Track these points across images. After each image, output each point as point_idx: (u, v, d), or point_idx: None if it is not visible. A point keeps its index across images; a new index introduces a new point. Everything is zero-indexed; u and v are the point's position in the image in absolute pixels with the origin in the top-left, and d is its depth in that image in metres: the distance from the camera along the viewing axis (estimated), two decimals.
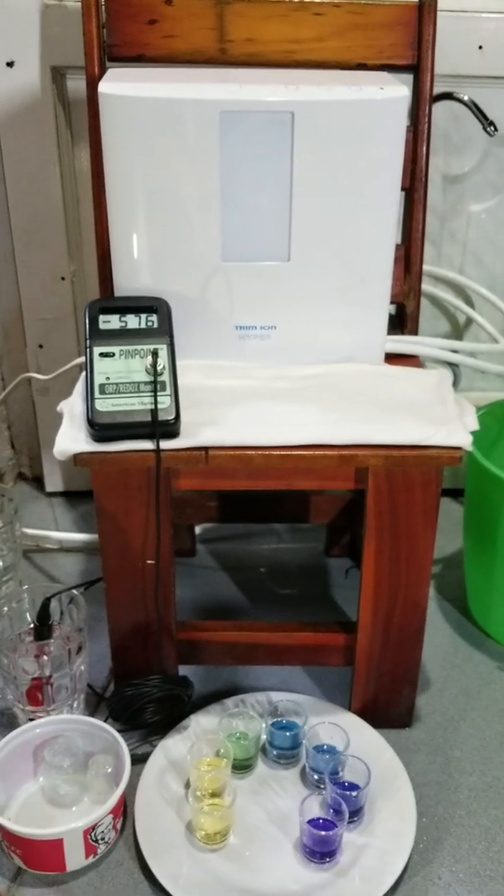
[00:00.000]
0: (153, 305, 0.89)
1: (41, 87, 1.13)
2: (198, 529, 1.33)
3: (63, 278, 1.25)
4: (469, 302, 1.33)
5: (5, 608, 0.98)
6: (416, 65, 1.01)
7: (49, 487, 1.43)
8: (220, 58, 0.99)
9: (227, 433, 0.83)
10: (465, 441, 0.83)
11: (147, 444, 0.82)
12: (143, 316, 0.88)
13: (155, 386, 0.83)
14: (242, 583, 1.26)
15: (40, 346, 1.30)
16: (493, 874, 0.85)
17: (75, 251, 1.26)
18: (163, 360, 0.85)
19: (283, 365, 0.95)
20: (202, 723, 0.97)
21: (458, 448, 0.83)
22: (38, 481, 1.45)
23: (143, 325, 0.88)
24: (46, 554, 1.30)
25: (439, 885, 0.84)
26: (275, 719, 0.95)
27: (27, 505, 1.41)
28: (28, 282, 1.25)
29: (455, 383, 1.22)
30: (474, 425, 0.87)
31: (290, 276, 0.92)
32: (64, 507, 1.41)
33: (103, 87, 0.85)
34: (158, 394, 0.83)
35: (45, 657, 0.93)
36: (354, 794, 0.86)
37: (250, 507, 1.26)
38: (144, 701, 0.94)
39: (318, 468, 0.86)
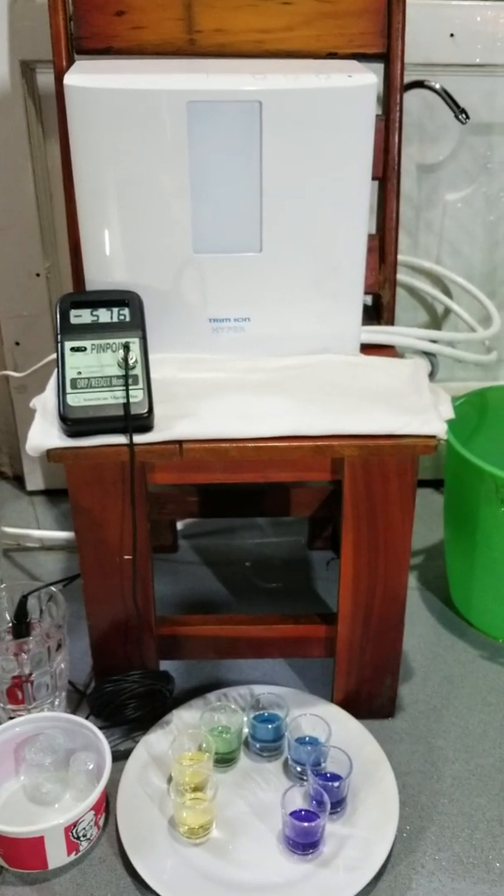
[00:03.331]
0: (125, 299, 0.89)
1: (11, 81, 1.12)
2: (179, 525, 1.33)
3: (38, 275, 1.24)
4: (447, 291, 1.33)
5: None
6: (387, 53, 1.00)
7: (30, 486, 1.43)
8: (190, 49, 0.99)
9: (201, 426, 0.83)
10: (439, 430, 0.83)
11: (120, 439, 0.81)
12: (115, 310, 0.88)
13: (127, 380, 0.82)
14: (226, 577, 1.25)
15: (17, 343, 1.29)
16: (475, 861, 0.85)
17: (49, 247, 1.25)
18: (135, 354, 0.84)
19: (258, 357, 0.95)
20: (184, 717, 0.97)
21: (433, 437, 0.83)
22: (18, 480, 1.45)
23: (114, 319, 0.87)
24: (27, 552, 1.29)
25: (422, 873, 0.84)
26: (257, 712, 0.95)
27: (8, 503, 1.40)
28: (3, 279, 1.25)
29: (433, 373, 1.22)
30: (449, 414, 0.87)
31: (263, 267, 0.92)
32: (45, 506, 1.40)
33: (69, 79, 0.84)
34: (131, 388, 0.82)
35: (25, 655, 0.93)
36: (337, 784, 0.86)
37: (232, 501, 1.25)
38: (125, 697, 0.94)
39: (293, 459, 0.86)
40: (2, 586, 1.00)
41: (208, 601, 1.21)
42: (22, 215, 1.20)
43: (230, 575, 1.26)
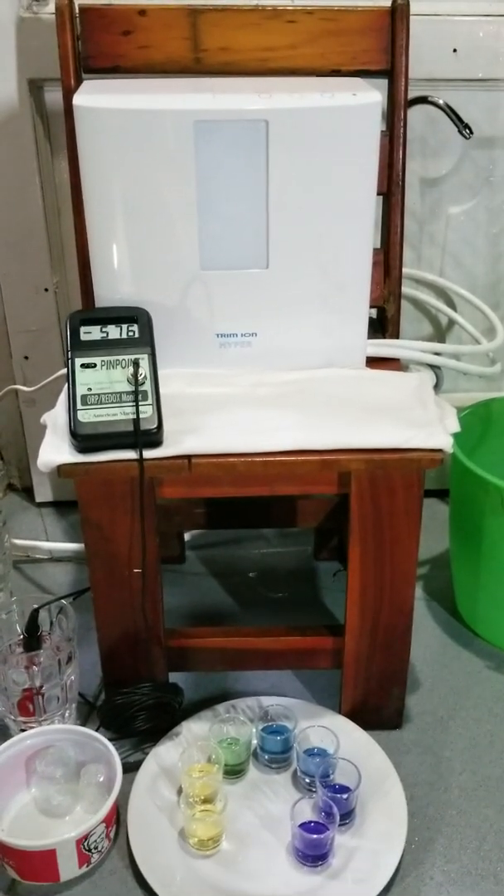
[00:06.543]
0: (134, 315, 0.90)
1: (19, 99, 1.14)
2: (187, 536, 1.34)
3: (46, 290, 1.25)
4: (450, 304, 1.34)
5: None
6: (391, 70, 1.02)
7: (39, 498, 1.43)
8: (195, 67, 1.00)
9: (209, 441, 0.84)
10: (445, 443, 0.84)
11: (130, 454, 0.82)
12: (124, 326, 0.89)
13: (136, 396, 0.83)
14: (232, 588, 1.26)
15: (25, 358, 1.30)
16: (484, 873, 0.85)
17: (58, 262, 1.27)
18: (144, 370, 0.85)
19: (265, 371, 0.96)
20: (193, 729, 0.97)
21: (439, 450, 0.84)
22: (27, 492, 1.45)
23: (124, 336, 0.88)
24: (37, 564, 1.30)
25: (431, 885, 0.84)
26: (265, 724, 0.96)
27: (17, 515, 1.41)
28: (11, 293, 1.26)
29: (437, 385, 1.23)
30: (455, 427, 0.88)
31: (270, 283, 0.93)
32: (54, 517, 1.41)
33: (78, 99, 0.85)
34: (140, 403, 0.83)
35: (36, 668, 0.94)
36: (345, 796, 0.87)
37: (239, 512, 1.26)
38: (135, 709, 0.94)
39: (300, 473, 0.87)
40: (13, 599, 1.01)
41: (215, 612, 1.21)
42: (30, 231, 1.21)
43: (237, 585, 1.26)
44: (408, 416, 0.88)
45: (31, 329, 1.28)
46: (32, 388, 1.13)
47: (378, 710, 1.00)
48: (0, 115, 1.14)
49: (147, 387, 0.85)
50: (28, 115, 1.15)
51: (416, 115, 1.20)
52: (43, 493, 1.43)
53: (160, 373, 0.88)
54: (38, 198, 1.19)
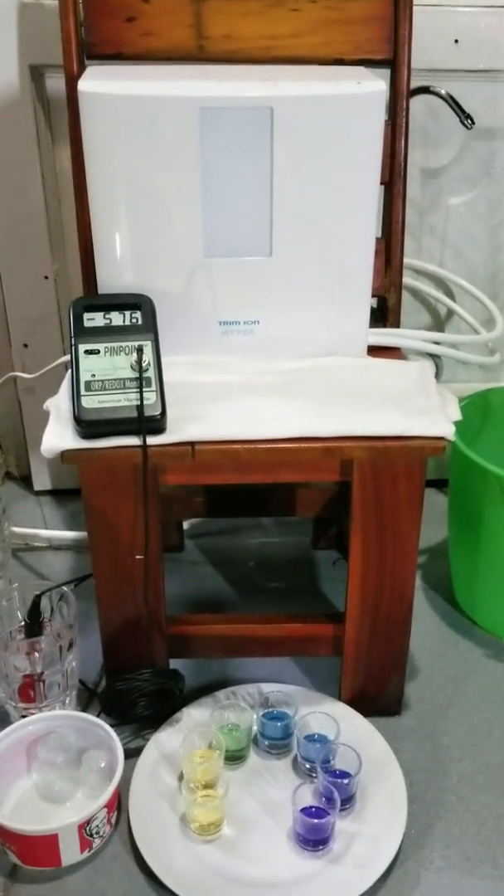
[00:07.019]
0: (137, 302, 0.90)
1: (20, 86, 1.13)
2: (185, 525, 1.34)
3: (46, 277, 1.25)
4: (450, 294, 1.34)
5: None
6: (393, 59, 1.01)
7: (37, 486, 1.43)
8: (199, 54, 1.00)
9: (212, 428, 0.84)
10: (447, 431, 0.84)
11: (134, 440, 0.82)
12: (128, 313, 0.89)
13: (140, 382, 0.84)
14: (231, 577, 1.26)
15: (25, 346, 1.30)
16: (483, 858, 0.86)
17: (58, 250, 1.26)
18: (148, 357, 0.85)
19: (267, 359, 0.96)
20: (194, 715, 0.98)
21: (442, 438, 0.84)
22: (25, 480, 1.45)
23: (127, 322, 0.88)
24: (36, 552, 1.30)
25: (431, 869, 0.85)
26: (266, 710, 0.96)
27: (15, 504, 1.41)
28: (11, 281, 1.25)
29: (437, 375, 1.23)
30: (456, 415, 0.88)
31: (273, 270, 0.93)
32: (52, 506, 1.41)
33: (83, 85, 0.85)
34: (144, 390, 0.83)
35: (37, 654, 0.94)
36: (346, 781, 0.87)
37: (237, 501, 1.26)
38: (136, 695, 0.94)
39: (303, 461, 0.87)
40: (13, 586, 1.01)
41: (214, 600, 1.22)
42: (30, 218, 1.21)
43: (235, 574, 1.27)
44: (410, 405, 0.88)
45: (31, 317, 1.28)
46: (32, 376, 1.12)
47: (377, 698, 1.00)
48: (1, 101, 1.14)
49: (151, 373, 0.85)
50: (29, 101, 1.14)
51: (417, 105, 1.20)
52: (41, 481, 1.43)
53: (163, 360, 0.87)
54: (38, 185, 1.19)
